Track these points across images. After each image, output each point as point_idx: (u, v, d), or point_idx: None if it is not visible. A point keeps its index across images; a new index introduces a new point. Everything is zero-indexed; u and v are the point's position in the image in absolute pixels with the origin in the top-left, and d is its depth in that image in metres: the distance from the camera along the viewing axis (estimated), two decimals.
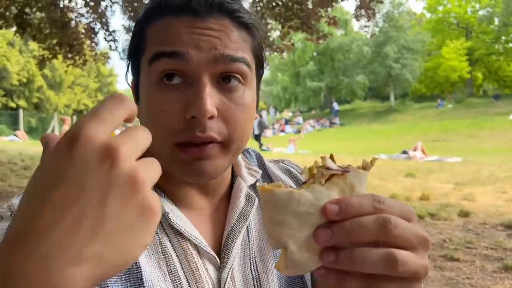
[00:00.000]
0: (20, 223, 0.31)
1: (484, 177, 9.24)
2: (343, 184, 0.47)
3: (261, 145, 18.80)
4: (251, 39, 0.70)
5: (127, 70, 0.75)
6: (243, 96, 0.67)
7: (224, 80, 0.65)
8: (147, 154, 0.36)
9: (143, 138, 0.36)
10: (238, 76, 0.66)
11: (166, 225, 0.69)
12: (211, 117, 0.63)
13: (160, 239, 0.68)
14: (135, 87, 0.73)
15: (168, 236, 0.69)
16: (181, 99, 0.63)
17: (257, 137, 19.41)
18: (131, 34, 0.73)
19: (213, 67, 0.64)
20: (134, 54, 0.71)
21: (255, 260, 0.76)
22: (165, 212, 0.69)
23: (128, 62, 0.74)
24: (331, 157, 0.49)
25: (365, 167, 0.49)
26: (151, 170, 0.36)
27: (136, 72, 0.72)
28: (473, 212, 5.96)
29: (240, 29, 0.68)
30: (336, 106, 42.00)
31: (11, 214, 0.62)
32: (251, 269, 0.75)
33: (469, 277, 3.79)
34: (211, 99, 0.62)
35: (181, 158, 0.65)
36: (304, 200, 0.45)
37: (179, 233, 0.69)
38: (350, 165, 0.48)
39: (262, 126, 21.10)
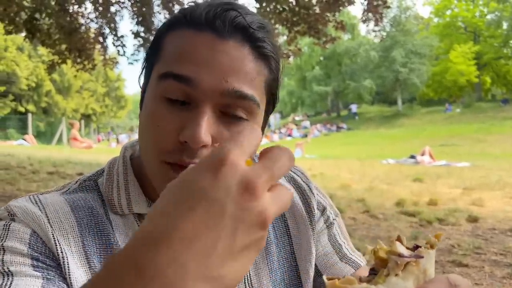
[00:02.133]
0: (160, 229, 0.32)
1: (493, 182, 9.16)
2: (417, 271, 0.45)
3: None
4: (267, 72, 0.66)
5: (141, 73, 0.73)
6: None
7: (229, 112, 0.63)
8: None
9: (282, 167, 0.36)
10: (244, 111, 0.64)
11: None
12: (204, 146, 0.61)
13: None
14: (143, 91, 0.72)
15: None
16: (178, 118, 0.62)
17: None
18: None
19: (219, 99, 0.62)
20: (149, 59, 0.70)
21: (249, 274, 0.75)
22: None
23: (144, 64, 0.73)
24: (399, 239, 0.48)
25: (432, 245, 0.48)
26: (281, 206, 0.36)
27: (147, 77, 0.71)
28: (481, 217, 5.90)
29: (258, 60, 0.65)
30: (354, 108, 42.00)
31: (8, 214, 0.63)
32: (245, 284, 0.74)
33: (478, 283, 3.75)
34: (207, 127, 0.60)
35: (170, 177, 0.62)
36: None
37: None
38: (419, 248, 0.47)
39: None
